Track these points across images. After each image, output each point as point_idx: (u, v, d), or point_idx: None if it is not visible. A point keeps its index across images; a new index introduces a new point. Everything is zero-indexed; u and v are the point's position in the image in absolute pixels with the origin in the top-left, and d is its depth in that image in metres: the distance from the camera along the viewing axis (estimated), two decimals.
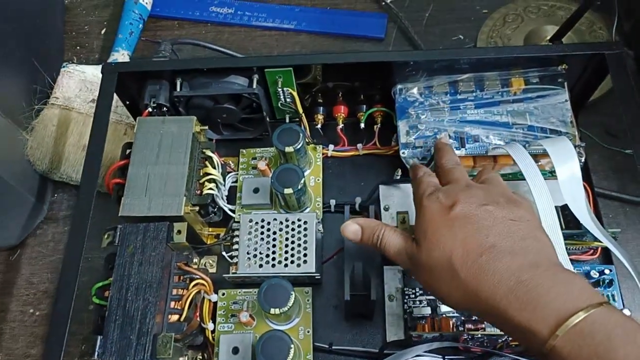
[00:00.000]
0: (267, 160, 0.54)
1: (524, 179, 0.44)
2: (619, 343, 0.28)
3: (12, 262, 0.55)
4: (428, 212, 0.37)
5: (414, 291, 0.46)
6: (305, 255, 0.47)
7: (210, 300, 0.45)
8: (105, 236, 0.43)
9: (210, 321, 0.45)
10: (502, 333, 0.41)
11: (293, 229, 0.49)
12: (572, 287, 0.31)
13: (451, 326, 0.43)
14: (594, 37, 0.61)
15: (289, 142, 0.49)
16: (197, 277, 0.44)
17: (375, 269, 0.45)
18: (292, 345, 0.40)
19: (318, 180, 0.53)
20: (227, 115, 0.53)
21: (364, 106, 0.56)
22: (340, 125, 0.55)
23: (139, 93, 0.52)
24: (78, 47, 0.67)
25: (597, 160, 0.56)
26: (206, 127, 0.50)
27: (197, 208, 0.47)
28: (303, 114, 0.55)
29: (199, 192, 0.48)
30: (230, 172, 0.55)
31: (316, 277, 0.47)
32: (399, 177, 0.53)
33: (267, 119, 0.55)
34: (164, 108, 0.51)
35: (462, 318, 0.43)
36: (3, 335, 0.52)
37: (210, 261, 0.51)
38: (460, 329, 0.43)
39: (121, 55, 0.61)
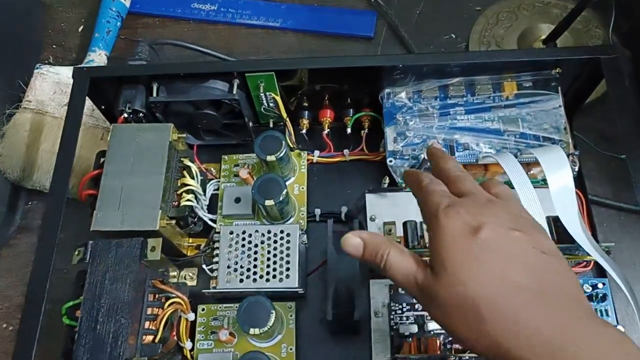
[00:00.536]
0: (250, 167, 0.52)
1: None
2: None
3: None
4: (448, 234, 0.30)
5: (400, 307, 0.44)
6: (287, 269, 0.46)
7: (187, 319, 0.44)
8: (76, 252, 0.41)
9: (188, 340, 0.44)
10: None
11: (275, 242, 0.47)
12: (610, 347, 0.27)
13: (438, 345, 0.41)
14: (590, 36, 0.59)
15: (271, 150, 0.47)
16: (174, 295, 0.42)
17: (360, 282, 0.43)
18: None
19: (302, 188, 0.51)
20: (208, 121, 0.51)
21: (351, 110, 0.53)
22: (326, 130, 0.53)
23: (115, 97, 0.49)
24: (55, 46, 0.64)
25: (591, 166, 0.54)
26: (184, 135, 0.48)
27: (174, 221, 0.45)
28: (287, 119, 0.52)
29: (176, 203, 0.46)
30: (212, 179, 0.52)
31: (299, 292, 0.45)
32: (386, 185, 0.51)
33: (250, 124, 0.52)
34: (141, 114, 0.48)
35: (450, 338, 0.41)
36: None
37: (190, 274, 0.49)
38: (448, 346, 0.42)
39: (98, 56, 0.58)
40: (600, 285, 0.45)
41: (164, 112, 0.49)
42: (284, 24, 0.63)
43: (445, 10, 0.63)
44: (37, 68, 0.57)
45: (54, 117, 0.55)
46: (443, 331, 0.42)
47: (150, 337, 0.40)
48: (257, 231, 0.47)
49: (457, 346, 0.41)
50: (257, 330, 0.40)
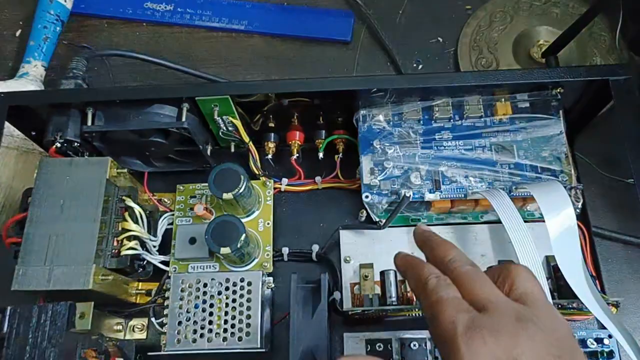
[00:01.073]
0: (208, 201, 0.45)
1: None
2: None
3: None
4: None
5: None
6: (248, 325, 0.40)
7: None
8: None
9: None
10: None
11: (235, 292, 0.41)
12: None
13: None
14: (595, 42, 0.52)
15: (228, 187, 0.41)
16: None
17: (328, 349, 0.37)
18: None
19: (268, 224, 0.45)
20: (157, 149, 0.44)
21: (324, 132, 0.47)
22: (295, 155, 0.47)
23: (45, 123, 0.42)
24: None
25: (595, 193, 0.47)
26: (124, 171, 0.41)
27: (110, 277, 0.38)
28: (250, 143, 0.46)
29: (117, 251, 0.40)
30: (165, 211, 0.46)
31: (262, 351, 0.39)
32: (363, 219, 0.44)
33: (209, 148, 0.46)
34: (75, 143, 0.41)
35: None
36: None
37: (140, 324, 0.43)
38: None
39: (33, 68, 0.51)
40: (606, 341, 0.39)
41: (103, 140, 0.42)
42: (250, 27, 0.56)
43: (432, 10, 0.56)
44: None
45: None
46: None
47: None
48: (213, 279, 0.41)
49: None
50: None
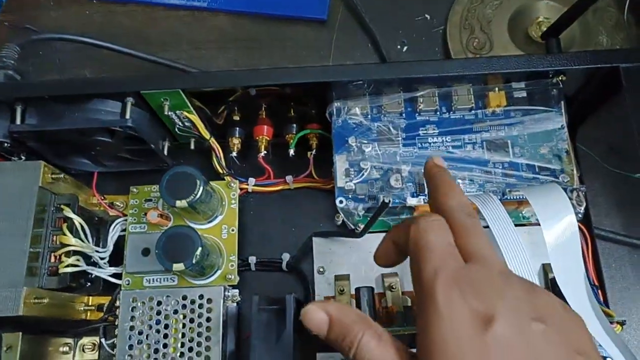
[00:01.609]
0: (164, 206, 0.40)
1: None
2: None
3: None
4: (448, 324, 0.22)
5: None
6: (208, 348, 0.35)
7: None
8: None
9: None
10: None
11: (193, 310, 0.36)
12: None
13: None
14: (599, 20, 0.47)
15: (182, 193, 0.35)
16: None
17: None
18: None
19: (233, 230, 0.40)
20: (103, 148, 0.39)
21: (295, 126, 0.41)
22: (263, 152, 0.41)
23: None
24: None
25: (598, 189, 0.43)
26: (61, 175, 0.36)
27: (46, 299, 0.33)
28: (212, 139, 0.40)
29: (55, 268, 0.35)
30: (118, 216, 0.41)
31: None
32: (340, 223, 0.40)
33: (164, 149, 0.41)
34: (6, 144, 0.36)
35: None
36: None
37: (90, 344, 0.39)
38: None
39: None
40: None
41: (39, 140, 0.37)
42: (214, 4, 0.50)
43: None
44: None
45: None
46: None
47: None
48: (168, 296, 0.37)
49: None
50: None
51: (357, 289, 0.35)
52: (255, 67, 0.47)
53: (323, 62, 0.48)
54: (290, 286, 0.40)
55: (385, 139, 0.37)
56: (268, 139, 0.42)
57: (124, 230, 0.41)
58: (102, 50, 0.46)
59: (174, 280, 0.39)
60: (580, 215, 0.36)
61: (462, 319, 0.22)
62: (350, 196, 0.36)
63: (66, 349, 0.38)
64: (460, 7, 0.48)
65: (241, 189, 0.42)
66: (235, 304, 0.39)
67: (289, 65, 0.47)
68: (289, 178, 0.42)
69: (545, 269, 0.37)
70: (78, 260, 0.36)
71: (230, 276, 0.39)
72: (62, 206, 0.35)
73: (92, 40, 0.43)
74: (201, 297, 0.36)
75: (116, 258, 0.39)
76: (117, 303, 0.37)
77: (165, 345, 0.35)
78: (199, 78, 0.37)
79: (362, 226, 0.38)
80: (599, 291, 0.39)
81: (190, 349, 0.35)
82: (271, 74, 0.35)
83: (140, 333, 0.36)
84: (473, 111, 0.37)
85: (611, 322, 0.33)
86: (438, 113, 0.37)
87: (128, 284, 0.38)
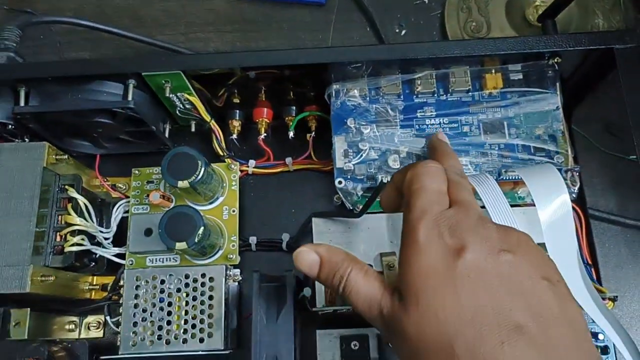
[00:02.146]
0: (166, 187, 0.41)
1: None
2: None
3: None
4: (424, 256, 0.25)
5: None
6: (210, 325, 0.36)
7: None
8: None
9: None
10: None
11: (195, 289, 0.37)
12: None
13: None
14: (596, 3, 0.47)
15: (184, 174, 0.36)
16: None
17: (301, 340, 0.34)
18: None
19: (233, 211, 0.41)
20: (105, 130, 0.39)
21: (294, 108, 0.42)
22: (263, 134, 0.42)
23: None
24: None
25: (593, 170, 0.43)
26: (65, 157, 0.36)
27: (52, 277, 0.34)
28: (212, 121, 0.41)
29: (60, 247, 0.36)
30: (121, 198, 0.42)
31: (226, 353, 0.36)
32: (339, 204, 0.40)
33: (165, 131, 0.41)
34: (9, 126, 0.37)
35: None
36: None
37: (95, 322, 0.40)
38: None
39: None
40: (600, 336, 0.36)
41: (40, 122, 0.37)
42: None
43: None
44: None
45: None
46: None
47: None
48: (171, 275, 0.37)
49: None
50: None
51: None
52: (253, 50, 0.48)
53: (321, 44, 0.48)
54: (290, 266, 0.40)
55: (384, 121, 0.38)
56: (268, 121, 0.42)
57: (127, 211, 0.41)
58: (101, 33, 0.46)
59: (176, 260, 0.40)
60: (574, 195, 0.36)
61: (437, 253, 0.25)
62: (349, 177, 0.37)
63: (72, 326, 0.39)
64: None
65: (241, 170, 0.43)
66: (236, 283, 0.40)
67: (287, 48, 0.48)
68: (288, 160, 0.43)
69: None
70: (83, 239, 0.36)
71: (231, 256, 0.40)
72: (66, 186, 0.36)
73: (92, 24, 0.43)
74: (203, 275, 0.37)
75: (119, 240, 0.40)
76: (121, 282, 0.38)
77: (168, 323, 0.36)
78: (200, 60, 0.37)
79: (360, 206, 0.39)
80: (592, 269, 0.40)
81: (193, 326, 0.36)
82: (271, 56, 0.36)
83: (144, 311, 0.36)
84: (470, 93, 0.38)
85: (603, 299, 0.34)
86: (435, 95, 0.38)
87: (132, 264, 0.39)
